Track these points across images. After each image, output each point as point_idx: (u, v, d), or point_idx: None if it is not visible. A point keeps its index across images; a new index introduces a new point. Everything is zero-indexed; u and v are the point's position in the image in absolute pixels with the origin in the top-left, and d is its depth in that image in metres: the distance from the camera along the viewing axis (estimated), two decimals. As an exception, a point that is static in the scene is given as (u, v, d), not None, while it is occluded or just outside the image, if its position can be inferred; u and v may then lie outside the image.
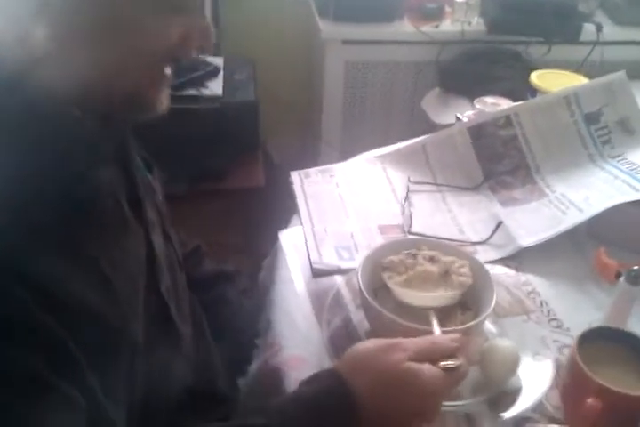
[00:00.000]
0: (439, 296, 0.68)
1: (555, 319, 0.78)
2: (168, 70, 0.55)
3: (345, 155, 1.14)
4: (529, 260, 0.87)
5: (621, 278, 0.71)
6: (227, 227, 1.69)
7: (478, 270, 0.73)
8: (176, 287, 0.72)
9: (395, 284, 0.70)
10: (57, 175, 0.49)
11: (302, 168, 1.07)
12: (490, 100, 1.12)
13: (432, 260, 0.71)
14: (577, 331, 0.65)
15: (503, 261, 0.88)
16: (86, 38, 0.48)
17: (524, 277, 0.85)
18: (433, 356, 0.58)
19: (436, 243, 0.78)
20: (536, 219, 0.91)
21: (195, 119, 1.62)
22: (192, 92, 1.62)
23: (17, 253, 0.45)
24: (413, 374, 0.56)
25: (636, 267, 0.70)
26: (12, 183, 0.46)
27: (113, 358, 0.53)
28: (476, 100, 1.11)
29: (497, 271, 0.85)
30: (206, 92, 1.64)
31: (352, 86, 1.88)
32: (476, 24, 1.78)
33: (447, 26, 1.79)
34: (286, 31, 1.98)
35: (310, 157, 2.07)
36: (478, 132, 1.02)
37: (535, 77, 1.15)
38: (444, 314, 0.71)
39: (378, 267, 0.73)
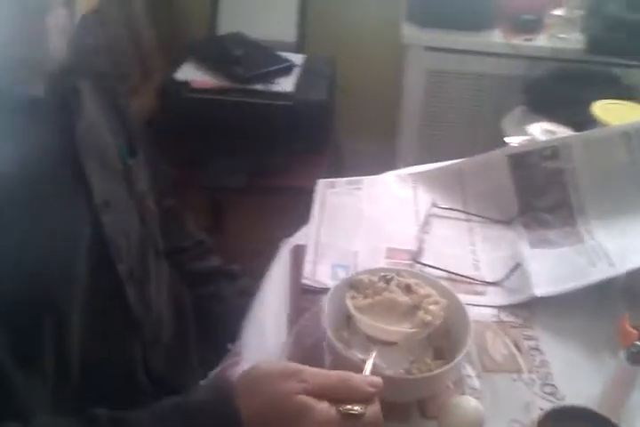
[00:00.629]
0: (395, 331, 0.61)
1: (550, 384, 0.69)
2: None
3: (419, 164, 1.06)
4: (542, 311, 0.77)
5: (621, 353, 0.61)
6: (275, 223, 1.68)
7: (459, 315, 0.66)
8: (146, 272, 0.72)
9: (354, 306, 0.64)
10: None
11: (372, 174, 1.02)
12: (546, 126, 1.01)
13: (407, 289, 0.64)
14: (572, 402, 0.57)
15: (512, 308, 0.79)
16: None
17: (530, 330, 0.76)
18: (337, 395, 0.50)
19: (423, 276, 0.71)
20: (561, 267, 0.81)
21: (263, 114, 1.62)
22: (260, 87, 1.61)
23: None
24: (303, 410, 0.49)
25: (638, 342, 0.60)
26: None
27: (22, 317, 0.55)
28: (530, 126, 1.01)
29: (502, 319, 0.77)
30: (276, 88, 1.62)
31: (432, 95, 1.80)
32: (574, 41, 1.64)
33: (541, 40, 1.67)
34: (371, 33, 1.93)
35: (383, 163, 2.01)
36: (520, 161, 0.93)
37: (598, 107, 1.03)
38: (415, 356, 0.65)
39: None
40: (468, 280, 0.81)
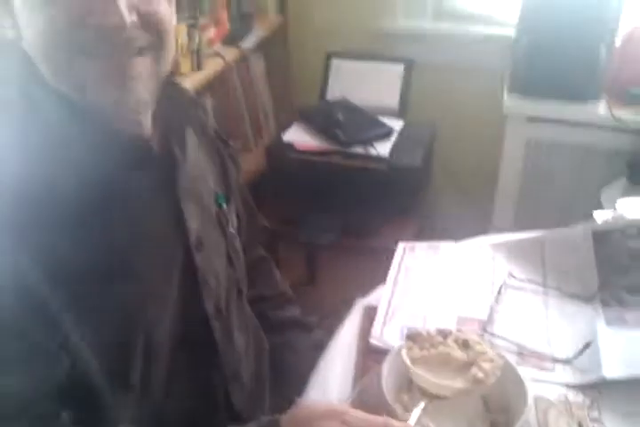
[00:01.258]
0: (445, 386, 0.62)
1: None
2: (123, 62, 0.59)
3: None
4: (610, 393, 0.75)
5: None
6: (364, 280, 1.71)
7: (518, 390, 0.66)
8: (230, 310, 0.78)
9: (409, 357, 0.66)
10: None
11: (464, 239, 1.04)
12: (638, 202, 0.99)
13: (464, 344, 0.66)
14: None
15: (580, 387, 0.77)
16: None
17: (596, 412, 0.73)
18: None
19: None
20: (634, 350, 0.78)
21: (359, 177, 1.70)
22: (358, 150, 1.69)
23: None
24: None
25: None
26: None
27: (119, 345, 0.61)
28: (620, 200, 1.00)
29: (568, 398, 0.75)
30: (373, 152, 1.69)
31: (531, 165, 1.79)
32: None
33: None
34: (472, 101, 1.97)
35: (476, 230, 2.00)
36: (604, 237, 0.92)
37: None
38: (469, 423, 0.65)
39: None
40: (537, 355, 0.80)
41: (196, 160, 0.76)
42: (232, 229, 0.82)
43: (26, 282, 0.55)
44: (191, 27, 1.53)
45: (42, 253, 0.56)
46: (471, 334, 0.68)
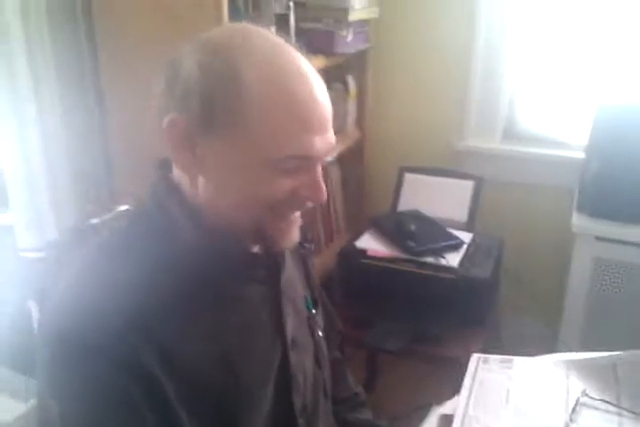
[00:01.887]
0: None
1: None
2: (292, 214, 0.71)
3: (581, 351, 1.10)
4: None
5: None
6: (425, 389, 1.71)
7: None
8: (316, 409, 0.83)
9: None
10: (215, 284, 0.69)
11: (529, 355, 1.07)
12: None
13: None
14: None
15: None
16: (223, 181, 0.67)
17: None
18: None
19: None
20: None
21: (428, 285, 1.75)
22: (428, 259, 1.76)
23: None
24: None
25: None
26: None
27: None
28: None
29: None
30: (443, 262, 1.76)
31: (599, 283, 1.80)
32: None
33: None
34: (540, 219, 2.04)
35: (542, 346, 1.98)
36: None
37: None
38: None
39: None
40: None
41: (289, 266, 0.84)
42: (320, 333, 0.88)
43: (153, 382, 0.62)
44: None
45: (163, 351, 0.63)
46: None
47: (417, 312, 1.74)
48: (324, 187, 0.69)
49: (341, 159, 2.15)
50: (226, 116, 0.64)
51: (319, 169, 0.69)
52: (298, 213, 0.73)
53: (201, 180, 0.69)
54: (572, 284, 1.82)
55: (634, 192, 1.73)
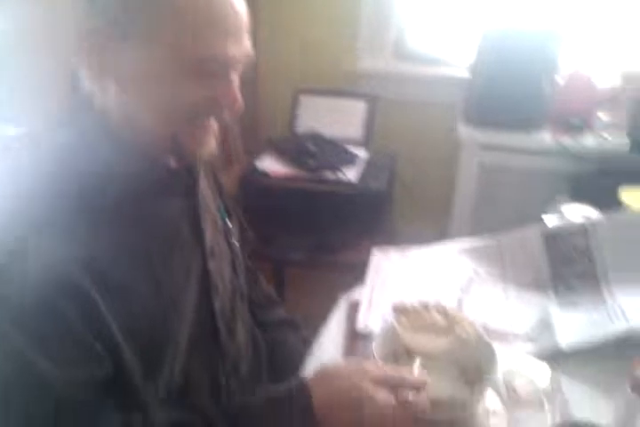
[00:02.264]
0: (435, 345, 0.74)
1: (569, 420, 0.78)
2: (209, 124, 0.71)
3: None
4: (565, 359, 0.87)
5: (628, 388, 0.70)
6: (331, 295, 1.81)
7: (488, 354, 0.77)
8: (234, 313, 0.87)
9: (399, 325, 0.76)
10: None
11: None
12: (579, 207, 1.15)
13: (444, 313, 0.77)
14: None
15: (540, 357, 0.89)
16: (139, 92, 0.67)
17: (554, 373, 0.85)
18: (394, 385, 0.64)
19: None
20: (584, 324, 0.91)
21: (329, 200, 1.83)
22: (330, 176, 1.83)
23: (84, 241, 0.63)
24: (367, 395, 0.63)
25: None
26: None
27: (151, 344, 0.68)
28: (563, 207, 1.15)
29: (530, 363, 0.87)
30: (343, 177, 1.83)
31: (484, 189, 1.96)
32: (618, 141, 1.79)
33: (588, 140, 1.83)
34: (430, 132, 2.15)
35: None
36: (553, 236, 1.06)
37: (625, 193, 1.15)
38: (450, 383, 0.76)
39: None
40: (500, 333, 0.93)
41: (203, 179, 0.86)
42: (235, 242, 0.92)
43: (80, 288, 0.62)
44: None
45: (85, 260, 0.63)
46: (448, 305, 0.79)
47: (319, 225, 1.82)
48: (240, 96, 0.70)
49: (235, 84, 2.13)
50: (140, 22, 0.64)
51: (235, 78, 0.70)
52: (213, 122, 0.73)
53: (116, 92, 0.68)
54: (460, 190, 1.96)
55: (512, 105, 1.86)
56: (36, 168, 0.69)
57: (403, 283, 1.06)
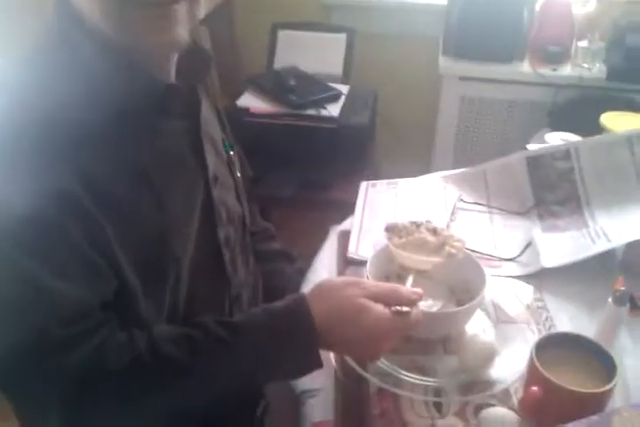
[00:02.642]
0: (426, 260, 0.77)
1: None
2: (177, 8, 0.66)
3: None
4: (549, 280, 0.92)
5: (609, 299, 0.75)
6: (318, 231, 1.85)
7: (477, 273, 0.81)
8: (236, 240, 0.88)
9: (392, 244, 0.79)
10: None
11: None
12: (562, 135, 1.17)
13: (434, 231, 0.80)
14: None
15: (525, 278, 0.93)
16: None
17: (539, 293, 0.90)
18: (388, 300, 0.67)
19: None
20: (567, 245, 0.95)
21: (312, 136, 1.82)
22: (312, 112, 1.82)
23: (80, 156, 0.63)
24: (363, 309, 0.65)
25: (622, 288, 0.74)
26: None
27: (153, 264, 0.69)
28: (546, 135, 1.17)
29: (516, 284, 0.91)
30: (325, 113, 1.83)
31: (465, 120, 1.97)
32: (596, 70, 1.80)
33: (566, 70, 1.83)
34: (410, 66, 2.13)
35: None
36: (536, 162, 1.09)
37: (605, 118, 1.18)
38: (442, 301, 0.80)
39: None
40: (488, 256, 0.97)
41: (207, 108, 0.84)
42: (238, 173, 0.92)
43: (81, 205, 0.62)
44: None
45: (85, 177, 0.63)
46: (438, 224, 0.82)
47: (304, 162, 1.83)
48: None
49: (209, 20, 2.06)
50: None
51: None
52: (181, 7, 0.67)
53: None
54: (441, 121, 1.97)
55: (491, 35, 1.85)
56: (32, 85, 0.67)
57: (391, 211, 1.09)
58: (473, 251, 0.96)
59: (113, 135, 0.67)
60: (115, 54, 0.67)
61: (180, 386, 0.65)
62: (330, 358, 0.79)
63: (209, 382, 0.65)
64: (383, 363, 0.76)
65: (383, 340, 0.67)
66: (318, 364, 0.67)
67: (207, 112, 0.84)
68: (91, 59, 0.67)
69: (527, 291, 0.90)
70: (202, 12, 0.70)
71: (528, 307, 0.87)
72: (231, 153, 0.90)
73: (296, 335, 0.66)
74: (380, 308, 0.66)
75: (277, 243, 1.13)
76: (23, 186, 0.60)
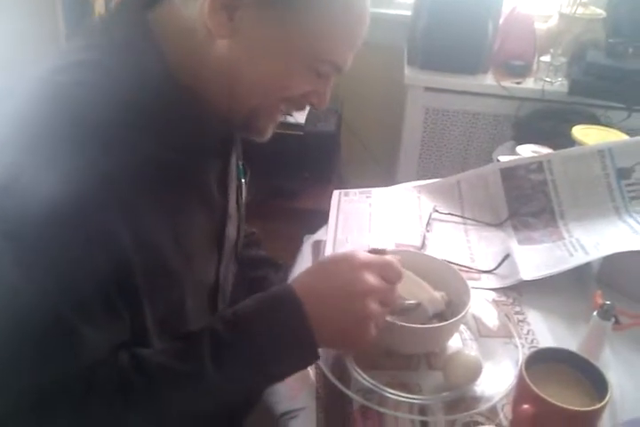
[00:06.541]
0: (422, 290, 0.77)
1: (536, 347, 0.82)
2: (282, 109, 0.71)
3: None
4: (529, 293, 0.91)
5: (594, 313, 0.74)
6: (283, 241, 1.82)
7: (460, 287, 0.79)
8: (228, 268, 0.86)
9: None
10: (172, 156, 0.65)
11: None
12: (533, 147, 1.17)
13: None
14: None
15: (504, 290, 0.92)
16: (250, 63, 0.65)
17: (519, 307, 0.89)
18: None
19: (429, 256, 0.85)
20: (544, 257, 0.95)
21: (278, 143, 1.78)
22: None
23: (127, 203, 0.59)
24: (355, 276, 0.65)
25: (608, 302, 0.73)
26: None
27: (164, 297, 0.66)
28: (518, 147, 1.18)
29: (495, 298, 0.90)
30: (291, 120, 1.79)
31: (430, 131, 1.97)
32: (558, 84, 1.84)
33: (529, 83, 1.86)
34: (375, 75, 2.12)
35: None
36: (510, 173, 1.08)
37: (576, 131, 1.19)
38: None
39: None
40: (466, 269, 0.95)
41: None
42: (242, 199, 0.89)
43: (118, 245, 0.58)
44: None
45: (128, 218, 0.59)
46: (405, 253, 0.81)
47: (272, 170, 1.79)
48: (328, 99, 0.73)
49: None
50: (297, 3, 0.63)
51: (332, 81, 0.72)
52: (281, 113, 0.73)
53: (223, 47, 0.64)
54: (406, 132, 1.97)
55: (455, 47, 1.86)
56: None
57: (366, 221, 1.06)
58: (451, 263, 0.95)
59: (163, 178, 0.64)
60: (181, 83, 0.66)
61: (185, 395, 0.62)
62: (310, 375, 0.76)
63: (220, 387, 0.63)
64: (366, 380, 0.73)
65: (365, 296, 0.65)
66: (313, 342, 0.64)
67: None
68: (156, 77, 0.64)
69: (507, 304, 0.89)
70: None
71: (509, 320, 0.85)
72: (242, 180, 0.88)
73: (287, 317, 0.64)
74: (371, 278, 0.66)
75: (263, 249, 1.09)
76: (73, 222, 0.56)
